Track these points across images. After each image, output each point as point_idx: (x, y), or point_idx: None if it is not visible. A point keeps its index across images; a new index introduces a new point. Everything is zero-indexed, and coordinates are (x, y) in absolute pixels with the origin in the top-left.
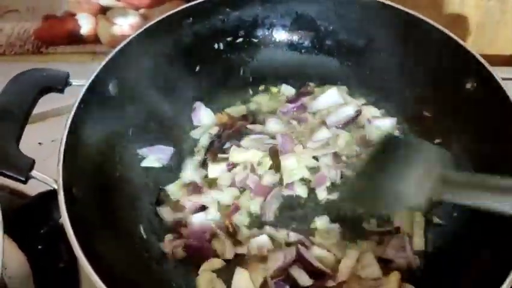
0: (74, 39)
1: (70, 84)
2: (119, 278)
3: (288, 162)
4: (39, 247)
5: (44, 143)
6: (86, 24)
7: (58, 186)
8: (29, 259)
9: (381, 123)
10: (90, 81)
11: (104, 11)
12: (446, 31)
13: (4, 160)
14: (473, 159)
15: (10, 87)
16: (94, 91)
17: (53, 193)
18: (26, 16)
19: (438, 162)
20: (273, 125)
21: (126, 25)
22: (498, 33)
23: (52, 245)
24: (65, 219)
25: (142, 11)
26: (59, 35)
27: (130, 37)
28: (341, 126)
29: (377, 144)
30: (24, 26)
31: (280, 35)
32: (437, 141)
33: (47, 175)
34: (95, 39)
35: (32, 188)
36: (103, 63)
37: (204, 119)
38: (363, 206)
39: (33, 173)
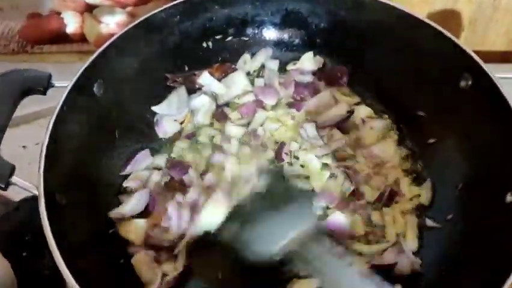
0: (60, 38)
1: (53, 86)
2: None
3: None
4: (24, 254)
5: (28, 147)
6: (72, 23)
7: (39, 193)
8: (13, 266)
9: (375, 124)
10: (73, 82)
11: (90, 9)
12: (440, 28)
13: None
14: (468, 158)
15: None
16: (78, 92)
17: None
18: (10, 15)
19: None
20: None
21: (113, 23)
22: (490, 30)
23: (37, 252)
24: (46, 228)
25: (128, 9)
26: (45, 34)
27: (115, 36)
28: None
29: None
30: (8, 24)
31: (271, 33)
32: (431, 140)
33: (32, 180)
34: (81, 38)
35: (15, 194)
36: (87, 63)
37: (169, 130)
38: None
39: (14, 179)
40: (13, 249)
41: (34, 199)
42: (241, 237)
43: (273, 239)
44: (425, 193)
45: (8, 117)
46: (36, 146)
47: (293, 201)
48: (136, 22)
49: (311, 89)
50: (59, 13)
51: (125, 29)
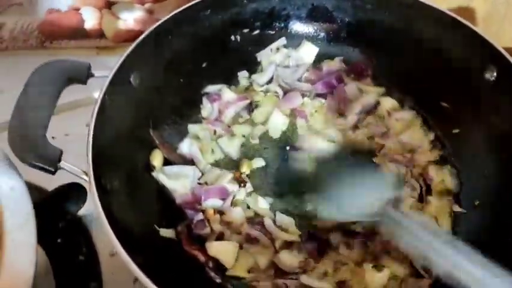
0: (79, 33)
1: (92, 76)
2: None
3: None
4: (58, 241)
5: (57, 137)
6: (90, 19)
7: (89, 176)
8: (48, 253)
9: (401, 115)
10: (113, 72)
11: (109, 5)
12: (465, 21)
13: (33, 151)
14: (493, 147)
15: (35, 78)
16: (117, 82)
17: (70, 187)
18: (30, 10)
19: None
20: None
21: (131, 20)
22: (504, 27)
23: (71, 238)
24: (99, 210)
25: (147, 5)
26: (63, 29)
27: (150, 29)
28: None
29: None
30: (27, 20)
31: (296, 27)
32: (455, 131)
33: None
34: (99, 34)
35: (48, 183)
36: (125, 55)
37: None
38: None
39: (62, 163)
40: (47, 236)
41: (69, 186)
42: None
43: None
44: (452, 179)
45: (53, 105)
46: (65, 137)
47: None
48: (169, 16)
49: (337, 83)
50: (78, 9)
51: (159, 22)
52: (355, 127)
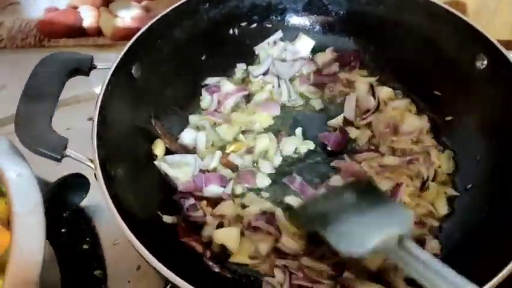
0: (77, 32)
1: (95, 67)
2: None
3: None
4: (62, 231)
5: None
6: (88, 17)
7: (95, 164)
8: (52, 242)
9: (397, 104)
10: (115, 64)
11: (106, 3)
12: (455, 11)
13: (40, 139)
14: (485, 133)
15: (40, 69)
16: (119, 74)
17: (73, 177)
18: (28, 9)
19: (401, 219)
20: None
21: (128, 17)
22: (494, 21)
23: (75, 228)
24: (106, 196)
25: (144, 3)
26: (61, 28)
27: (150, 22)
28: None
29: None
30: (25, 19)
31: (293, 20)
32: (448, 118)
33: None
34: (97, 32)
35: (51, 176)
36: (126, 47)
37: None
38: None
39: (68, 151)
40: (52, 226)
41: (72, 177)
42: None
43: None
44: (447, 163)
45: (57, 95)
46: (68, 130)
47: None
48: (169, 9)
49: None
50: (75, 7)
51: (160, 15)
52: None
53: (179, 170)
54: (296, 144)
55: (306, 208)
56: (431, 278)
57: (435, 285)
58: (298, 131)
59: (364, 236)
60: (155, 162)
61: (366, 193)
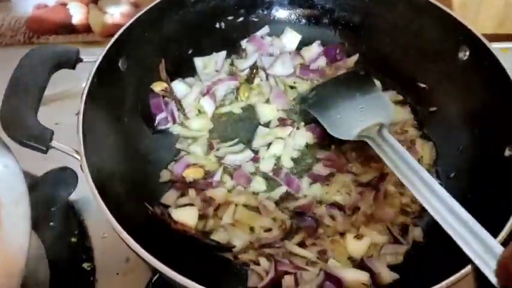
0: (66, 29)
1: (81, 61)
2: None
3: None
4: (51, 224)
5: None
6: (77, 14)
7: (81, 155)
8: (41, 236)
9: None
10: (101, 57)
11: (95, 0)
12: (437, 3)
13: (25, 130)
14: (467, 123)
15: (25, 61)
16: (105, 67)
17: (60, 171)
18: (17, 6)
19: (384, 111)
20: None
21: (118, 14)
22: (480, 13)
23: (63, 221)
24: (91, 186)
25: None
26: (51, 24)
27: (137, 15)
28: None
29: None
30: (15, 16)
31: (279, 14)
32: (432, 109)
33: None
34: (87, 29)
35: (38, 170)
36: (112, 40)
37: None
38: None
39: (54, 143)
40: (40, 220)
41: (59, 171)
42: None
43: None
44: (430, 153)
45: (42, 88)
46: (56, 125)
47: None
48: (156, 2)
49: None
50: (65, 4)
51: (147, 8)
52: None
53: None
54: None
55: (312, 93)
56: (402, 168)
57: (405, 175)
58: None
59: (351, 124)
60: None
61: (361, 83)
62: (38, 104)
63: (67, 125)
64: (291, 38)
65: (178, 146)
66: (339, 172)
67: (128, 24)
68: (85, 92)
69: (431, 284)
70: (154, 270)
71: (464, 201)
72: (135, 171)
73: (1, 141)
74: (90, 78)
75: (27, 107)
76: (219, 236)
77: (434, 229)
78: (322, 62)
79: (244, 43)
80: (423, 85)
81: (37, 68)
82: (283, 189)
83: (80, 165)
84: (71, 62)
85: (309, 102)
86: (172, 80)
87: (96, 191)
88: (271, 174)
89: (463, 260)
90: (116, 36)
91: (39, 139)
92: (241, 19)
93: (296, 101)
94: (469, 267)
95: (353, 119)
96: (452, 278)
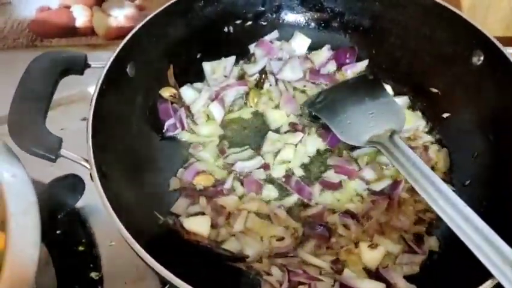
0: (69, 31)
1: (89, 66)
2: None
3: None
4: (58, 232)
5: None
6: (81, 17)
7: (90, 164)
8: (47, 245)
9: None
10: (110, 62)
11: (99, 2)
12: (451, 7)
13: (34, 139)
14: (482, 129)
15: (33, 68)
16: (113, 72)
17: (67, 178)
18: (20, 8)
19: (396, 117)
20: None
21: (122, 17)
22: (488, 16)
23: (70, 229)
24: (102, 196)
25: (137, 1)
26: (54, 27)
27: (145, 20)
28: None
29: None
30: (17, 19)
31: (288, 17)
32: (445, 115)
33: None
34: (90, 32)
35: (45, 176)
36: (121, 45)
37: None
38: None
39: (63, 151)
40: (47, 227)
41: (65, 178)
42: None
43: None
44: (444, 160)
45: (51, 94)
46: (62, 131)
47: None
48: (164, 7)
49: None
50: (68, 7)
51: (154, 13)
52: None
53: None
54: None
55: (320, 97)
56: (415, 175)
57: (417, 180)
58: None
59: (362, 129)
60: None
61: (371, 88)
62: (47, 111)
63: (72, 130)
64: (300, 42)
65: (190, 151)
66: (350, 179)
67: (136, 29)
68: (94, 98)
69: None
70: (163, 280)
71: (479, 210)
72: (144, 179)
73: (10, 150)
74: (99, 85)
75: (35, 114)
76: (230, 245)
77: (450, 239)
78: (332, 66)
79: (252, 47)
80: (435, 90)
81: (45, 74)
82: (295, 197)
83: (90, 174)
84: (80, 67)
85: (317, 106)
86: (180, 85)
87: (107, 202)
88: (282, 180)
89: (482, 270)
90: (124, 41)
91: (48, 148)
92: (249, 23)
93: (303, 104)
94: (489, 282)
95: (363, 124)
96: None
